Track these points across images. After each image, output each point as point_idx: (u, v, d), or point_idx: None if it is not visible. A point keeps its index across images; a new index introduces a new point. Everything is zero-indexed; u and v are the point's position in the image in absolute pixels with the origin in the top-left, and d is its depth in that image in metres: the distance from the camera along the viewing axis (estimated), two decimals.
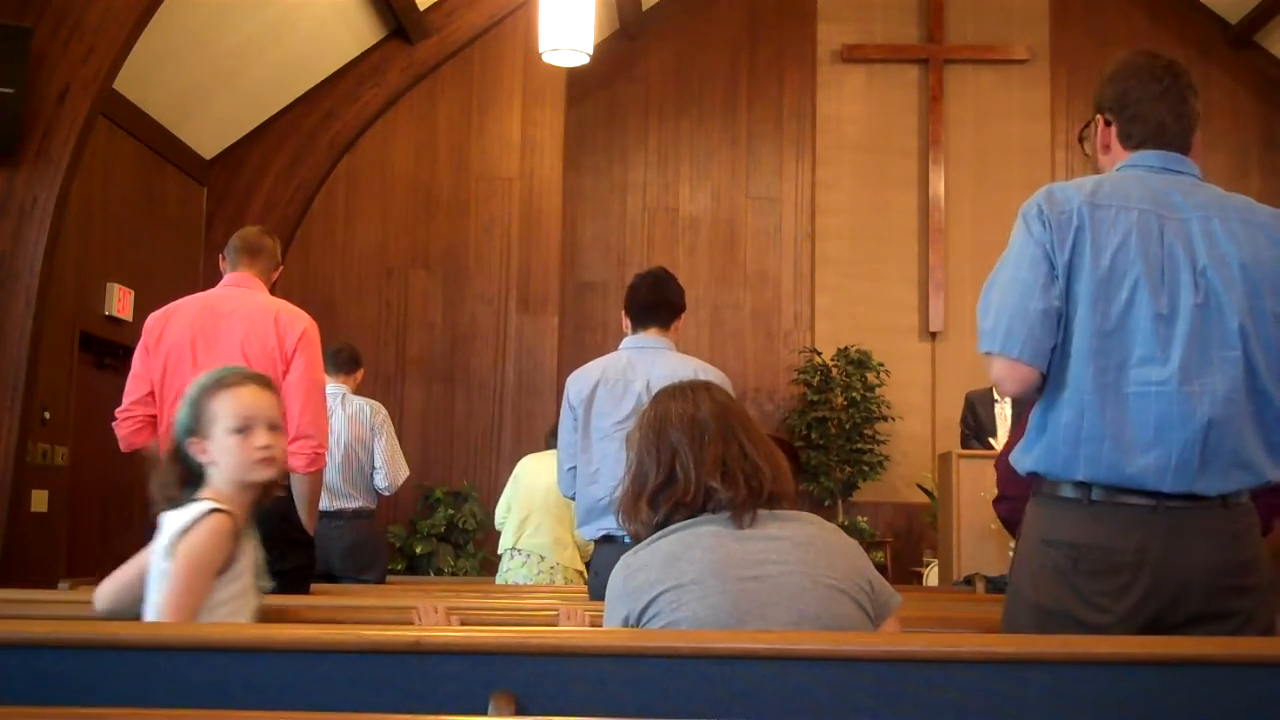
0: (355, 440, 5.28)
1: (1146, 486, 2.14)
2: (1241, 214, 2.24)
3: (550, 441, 5.86)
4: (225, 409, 2.38)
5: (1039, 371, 2.20)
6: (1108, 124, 2.37)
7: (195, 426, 2.39)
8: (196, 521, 2.27)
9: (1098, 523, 2.17)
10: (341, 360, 5.42)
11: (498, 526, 5.79)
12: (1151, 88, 2.32)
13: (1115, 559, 2.14)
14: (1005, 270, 2.26)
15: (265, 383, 2.48)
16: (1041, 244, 2.20)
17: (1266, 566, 2.22)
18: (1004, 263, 2.27)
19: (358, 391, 5.53)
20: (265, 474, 2.40)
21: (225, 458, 2.37)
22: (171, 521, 2.33)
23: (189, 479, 2.40)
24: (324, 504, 5.04)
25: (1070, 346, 2.19)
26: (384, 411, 5.45)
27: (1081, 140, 2.51)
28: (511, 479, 5.75)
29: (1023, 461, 2.30)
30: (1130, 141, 2.34)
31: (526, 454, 6.05)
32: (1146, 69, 2.33)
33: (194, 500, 2.34)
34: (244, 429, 2.37)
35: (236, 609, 2.36)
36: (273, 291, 4.06)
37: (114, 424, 3.78)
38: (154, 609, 2.29)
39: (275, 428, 2.42)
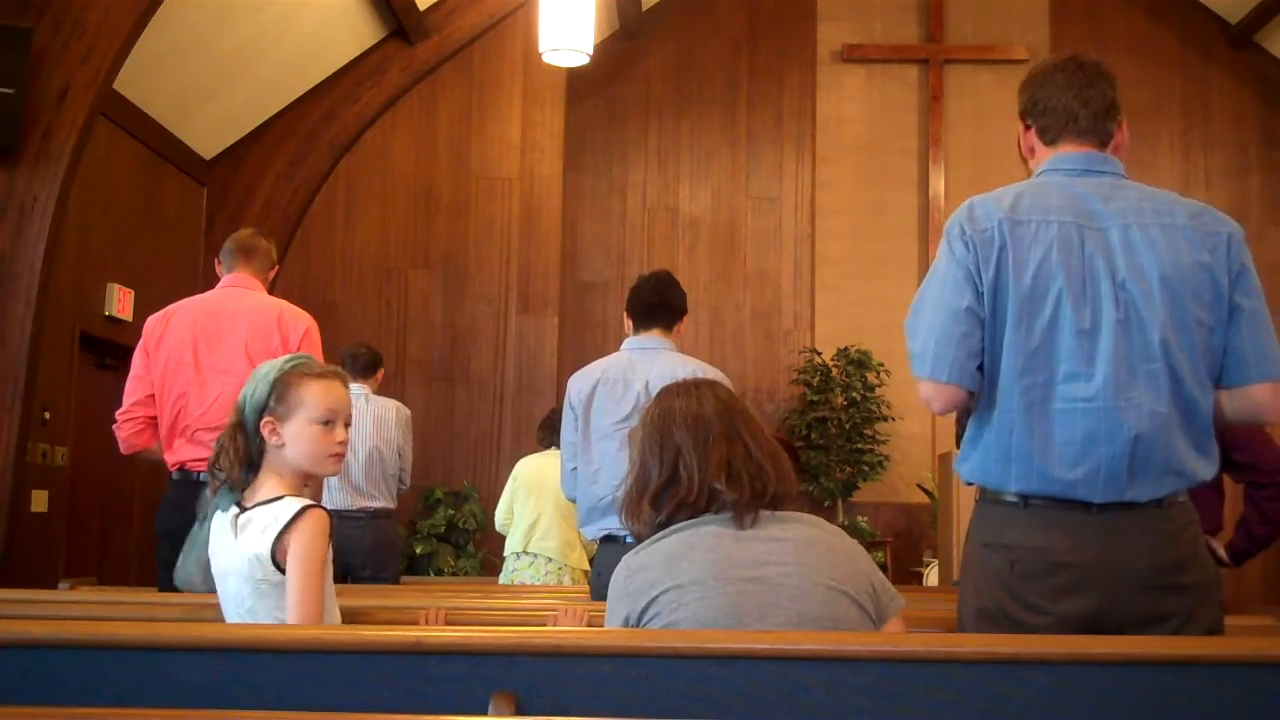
0: (382, 440, 5.31)
1: (1078, 498, 2.15)
2: (1161, 218, 2.22)
3: (540, 437, 5.87)
4: (314, 398, 2.35)
5: (966, 391, 2.22)
6: (1027, 128, 2.39)
7: (275, 407, 2.34)
8: (296, 521, 2.22)
9: (1033, 526, 2.17)
10: (362, 363, 5.45)
11: (499, 529, 5.78)
12: (1055, 79, 2.34)
13: (1051, 559, 2.14)
14: (932, 291, 2.27)
15: (346, 381, 2.48)
16: (964, 265, 2.21)
17: (1206, 564, 2.21)
18: (930, 282, 2.28)
19: (379, 392, 5.56)
20: (334, 469, 2.41)
21: (301, 446, 2.34)
22: (253, 525, 2.25)
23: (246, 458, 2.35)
24: (349, 503, 5.13)
25: (998, 365, 2.20)
26: (408, 411, 5.51)
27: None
28: (511, 480, 5.75)
29: (961, 472, 2.33)
30: (1048, 136, 2.35)
31: (526, 454, 6.05)
32: (1051, 66, 2.37)
33: (275, 499, 2.28)
34: (328, 421, 2.36)
35: (330, 603, 2.33)
36: (270, 292, 4.06)
37: (114, 426, 3.77)
38: (270, 619, 2.21)
39: (349, 426, 2.43)
